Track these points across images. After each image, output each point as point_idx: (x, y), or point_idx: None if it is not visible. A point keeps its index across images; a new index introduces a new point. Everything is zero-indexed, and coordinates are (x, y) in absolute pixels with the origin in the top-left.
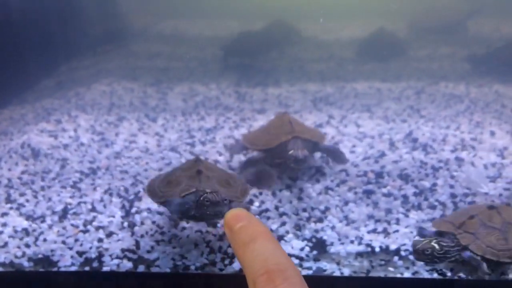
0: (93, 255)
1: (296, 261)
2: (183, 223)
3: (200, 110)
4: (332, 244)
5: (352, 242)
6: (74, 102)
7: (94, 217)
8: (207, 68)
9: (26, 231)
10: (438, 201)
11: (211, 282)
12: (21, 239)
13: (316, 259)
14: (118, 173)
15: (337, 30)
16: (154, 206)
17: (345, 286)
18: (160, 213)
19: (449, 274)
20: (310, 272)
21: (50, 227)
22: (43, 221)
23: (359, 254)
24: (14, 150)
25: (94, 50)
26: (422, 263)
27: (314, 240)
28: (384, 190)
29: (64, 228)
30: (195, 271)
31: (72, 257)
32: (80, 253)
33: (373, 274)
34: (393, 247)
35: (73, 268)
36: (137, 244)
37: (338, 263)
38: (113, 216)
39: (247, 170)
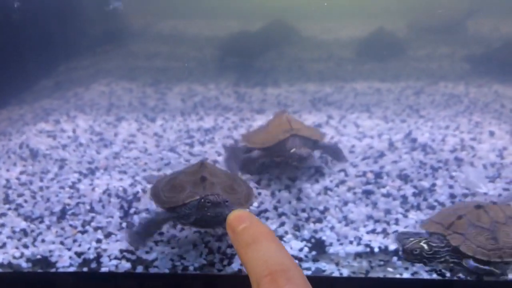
0: (92, 256)
1: (295, 262)
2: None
3: (199, 110)
4: (331, 244)
5: (351, 242)
6: (73, 102)
7: (93, 218)
8: (206, 68)
9: (24, 232)
10: (437, 202)
11: (210, 282)
12: (19, 239)
13: (315, 260)
14: (116, 173)
15: (337, 30)
16: (153, 206)
17: (344, 286)
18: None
19: (448, 274)
20: (309, 272)
21: (48, 227)
22: (41, 222)
23: (358, 255)
24: (13, 151)
25: (93, 50)
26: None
27: (313, 240)
28: (383, 191)
29: (62, 228)
30: (194, 271)
31: (70, 257)
32: (78, 254)
33: (372, 274)
34: (392, 247)
35: (72, 269)
36: None
37: (337, 264)
38: (112, 217)
39: (231, 159)
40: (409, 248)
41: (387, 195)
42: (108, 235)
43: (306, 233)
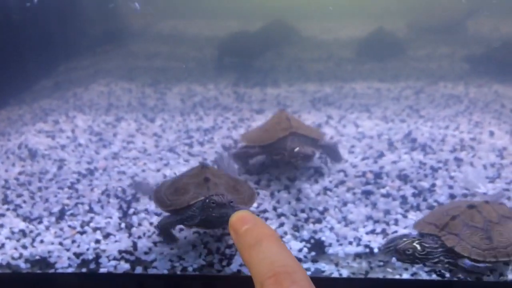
0: (90, 257)
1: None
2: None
3: (199, 111)
4: (330, 245)
5: (350, 243)
6: (72, 103)
7: (92, 218)
8: (206, 68)
9: (23, 233)
10: (437, 202)
11: (209, 283)
12: (18, 240)
13: (314, 260)
14: (115, 174)
15: (336, 30)
16: (152, 207)
17: (343, 287)
18: (157, 214)
19: (447, 275)
20: (308, 273)
21: (47, 228)
22: (40, 222)
23: (358, 255)
24: (11, 151)
25: (92, 51)
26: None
27: (312, 241)
28: (383, 191)
29: (61, 229)
30: (193, 272)
31: (69, 258)
32: (77, 255)
33: (371, 275)
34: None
35: (70, 270)
36: (135, 245)
37: (336, 264)
38: (111, 217)
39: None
40: (402, 248)
41: (387, 195)
42: (107, 235)
43: (305, 234)
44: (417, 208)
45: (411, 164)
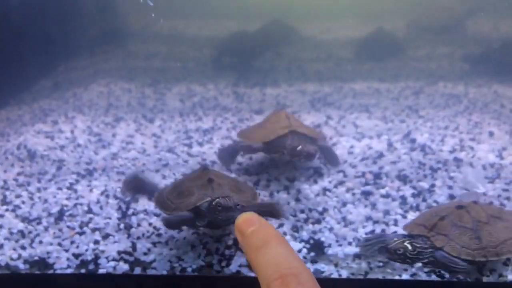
0: (89, 257)
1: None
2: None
3: (198, 111)
4: (330, 245)
5: (350, 243)
6: (71, 103)
7: (91, 219)
8: (205, 68)
9: (22, 233)
10: (437, 202)
11: (208, 284)
12: (16, 241)
13: (313, 261)
14: (114, 174)
15: (336, 30)
16: (151, 207)
17: None
18: (156, 215)
19: (447, 276)
20: None
21: (46, 229)
22: (39, 223)
23: (357, 256)
24: (10, 152)
25: (92, 51)
26: (419, 264)
27: (311, 241)
28: (382, 191)
29: (60, 230)
30: (192, 273)
31: (68, 259)
32: (76, 255)
33: (371, 276)
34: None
35: (69, 271)
36: (134, 246)
37: (336, 265)
38: (110, 218)
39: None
40: (393, 247)
41: (386, 196)
42: (106, 236)
43: (304, 234)
44: (417, 208)
45: (410, 165)
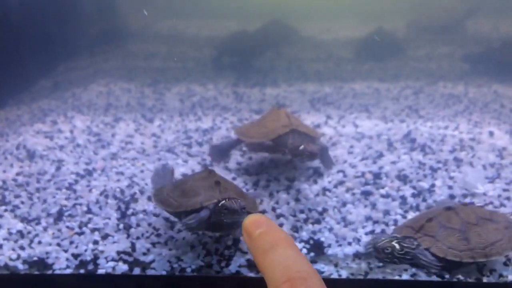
0: (88, 258)
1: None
2: (179, 225)
3: (197, 111)
4: (329, 246)
5: (349, 243)
6: (71, 103)
7: (90, 219)
8: (205, 68)
9: (21, 233)
10: (437, 202)
11: (208, 284)
12: (15, 241)
13: (313, 261)
14: (114, 174)
15: (335, 29)
16: (150, 208)
17: None
18: (156, 215)
19: (447, 276)
20: None
21: (45, 229)
22: (38, 223)
23: (357, 256)
24: (9, 152)
25: (91, 51)
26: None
27: (311, 241)
28: (382, 191)
29: (59, 230)
30: (191, 273)
31: (67, 259)
32: (75, 256)
33: (371, 276)
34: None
35: (68, 271)
36: (133, 246)
37: (335, 265)
38: (109, 218)
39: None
40: (381, 246)
41: (386, 196)
42: (105, 236)
43: (304, 234)
44: (417, 208)
45: (410, 165)
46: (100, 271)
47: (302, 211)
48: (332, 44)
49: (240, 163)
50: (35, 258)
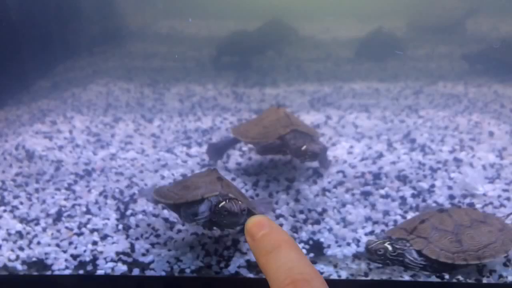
0: (88, 258)
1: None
2: (179, 226)
3: (197, 111)
4: (329, 246)
5: (349, 244)
6: (70, 103)
7: (89, 220)
8: (204, 68)
9: (19, 234)
10: (436, 203)
11: (207, 285)
12: (14, 242)
13: (313, 262)
14: (113, 174)
15: (335, 29)
16: (150, 208)
17: None
18: (155, 216)
19: (447, 277)
20: None
21: (44, 229)
22: (37, 224)
23: (357, 257)
24: (9, 152)
25: (91, 51)
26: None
27: (311, 242)
28: (382, 192)
29: (58, 230)
30: (191, 274)
31: (66, 260)
32: (74, 256)
33: (371, 276)
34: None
35: (67, 272)
36: (132, 247)
37: (335, 266)
38: (108, 219)
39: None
40: (374, 248)
41: (386, 196)
42: (104, 237)
43: (304, 235)
44: (416, 209)
45: (410, 165)
46: (99, 272)
47: (301, 212)
48: (331, 44)
49: (240, 163)
50: (34, 259)
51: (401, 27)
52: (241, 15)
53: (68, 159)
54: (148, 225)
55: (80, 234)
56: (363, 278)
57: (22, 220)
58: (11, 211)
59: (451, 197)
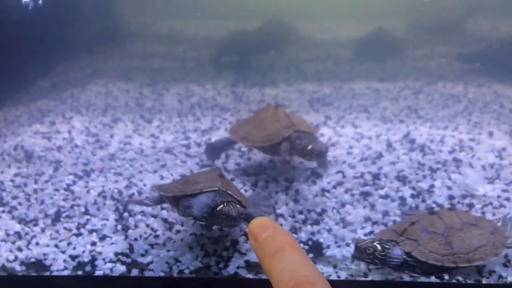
0: (86, 259)
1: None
2: (178, 226)
3: (196, 111)
4: (328, 247)
5: (348, 245)
6: (69, 103)
7: (88, 220)
8: (204, 68)
9: (18, 235)
10: (436, 203)
11: (206, 285)
12: (13, 242)
13: None
14: (112, 175)
15: (335, 29)
16: (148, 209)
17: None
18: (154, 216)
19: (446, 277)
20: None
21: (42, 230)
22: (35, 225)
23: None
24: (7, 152)
25: (90, 51)
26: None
27: (310, 243)
28: (381, 192)
29: (57, 231)
30: (190, 275)
31: (64, 261)
32: (73, 257)
33: (370, 277)
34: None
35: (66, 272)
36: (131, 247)
37: (334, 266)
38: (107, 219)
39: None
40: (363, 246)
41: (385, 196)
42: (103, 237)
43: (303, 235)
44: (416, 209)
45: (409, 165)
46: (98, 272)
47: (301, 212)
48: (331, 44)
49: (239, 164)
50: (33, 260)
51: (401, 27)
52: (241, 15)
53: (67, 159)
54: (147, 225)
55: (78, 235)
56: (363, 278)
57: (20, 220)
58: (10, 212)
59: (451, 197)
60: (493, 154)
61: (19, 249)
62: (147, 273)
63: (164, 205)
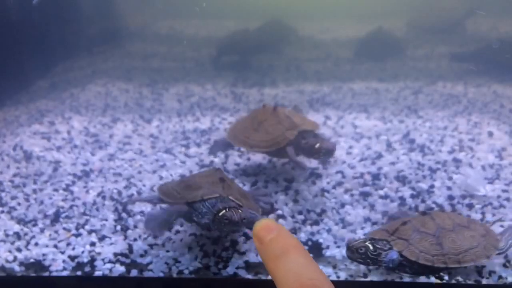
0: (85, 259)
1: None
2: (177, 226)
3: (196, 111)
4: (328, 247)
5: None
6: (69, 104)
7: (87, 221)
8: (203, 68)
9: (17, 235)
10: (436, 203)
11: (205, 286)
12: (12, 243)
13: None
14: (111, 175)
15: (335, 29)
16: (148, 209)
17: None
18: None
19: (446, 278)
20: None
21: (42, 230)
22: (34, 225)
23: None
24: (6, 153)
25: (89, 51)
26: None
27: (310, 243)
28: (381, 192)
29: (56, 231)
30: (189, 275)
31: (64, 261)
32: (72, 257)
33: (370, 278)
34: None
35: (65, 273)
36: (130, 248)
37: (334, 267)
38: (106, 220)
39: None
40: (355, 246)
41: (385, 197)
42: (102, 238)
43: (303, 236)
44: (415, 209)
45: (409, 165)
46: (97, 273)
47: (300, 212)
48: (331, 44)
49: (238, 164)
50: (32, 260)
51: (401, 27)
52: (241, 15)
53: (66, 159)
54: None
55: (78, 235)
56: (362, 279)
57: (19, 221)
58: (9, 212)
59: (450, 197)
60: (493, 154)
61: (18, 250)
62: (147, 274)
63: (164, 206)
